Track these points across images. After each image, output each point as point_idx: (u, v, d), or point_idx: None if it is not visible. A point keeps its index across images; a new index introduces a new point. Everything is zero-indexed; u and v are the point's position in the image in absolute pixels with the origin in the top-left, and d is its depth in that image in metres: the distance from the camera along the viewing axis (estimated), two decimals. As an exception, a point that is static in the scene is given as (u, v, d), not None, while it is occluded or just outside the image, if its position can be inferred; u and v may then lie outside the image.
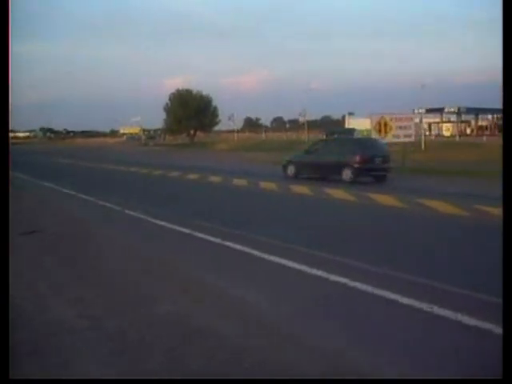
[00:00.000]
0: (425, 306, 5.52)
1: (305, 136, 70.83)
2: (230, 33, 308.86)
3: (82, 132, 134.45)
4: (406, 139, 29.04)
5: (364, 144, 23.85)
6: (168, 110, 79.39)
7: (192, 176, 24.39)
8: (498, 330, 4.84)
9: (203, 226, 10.21)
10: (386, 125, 28.34)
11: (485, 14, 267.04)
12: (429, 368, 4.17)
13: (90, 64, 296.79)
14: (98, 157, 46.87)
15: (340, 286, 6.38)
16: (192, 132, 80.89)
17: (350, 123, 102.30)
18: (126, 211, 12.75)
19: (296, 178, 22.53)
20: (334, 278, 6.64)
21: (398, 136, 28.56)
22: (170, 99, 79.83)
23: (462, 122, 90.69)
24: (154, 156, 49.99)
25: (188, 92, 79.64)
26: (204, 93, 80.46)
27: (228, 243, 8.76)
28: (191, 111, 76.33)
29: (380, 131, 28.39)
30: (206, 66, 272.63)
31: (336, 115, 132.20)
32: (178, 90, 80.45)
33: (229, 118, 78.33)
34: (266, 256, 7.84)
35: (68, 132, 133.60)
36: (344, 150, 22.03)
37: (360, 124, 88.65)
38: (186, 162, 36.98)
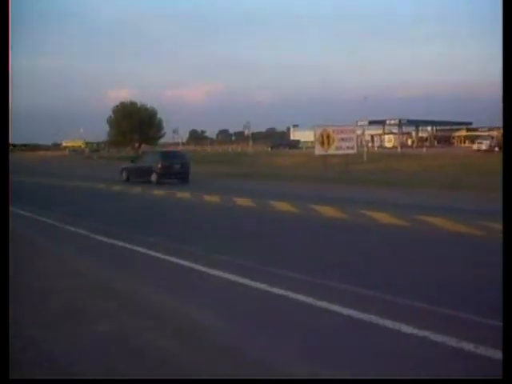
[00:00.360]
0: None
1: (250, 148, 71.13)
2: (175, 45, 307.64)
3: (23, 145, 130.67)
4: (349, 151, 29.65)
5: (166, 155, 29.45)
6: (111, 122, 77.83)
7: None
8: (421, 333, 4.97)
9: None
10: (328, 137, 28.88)
11: (424, 30, 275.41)
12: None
13: (31, 75, 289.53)
14: (37, 171, 45.64)
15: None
16: (137, 145, 79.71)
17: (295, 135, 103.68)
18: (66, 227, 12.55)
19: (128, 181, 28.29)
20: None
21: (340, 148, 29.12)
22: (113, 112, 78.33)
23: (404, 133, 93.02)
24: (97, 169, 49.08)
25: (132, 104, 78.46)
26: (149, 105, 79.72)
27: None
28: (135, 124, 75.26)
29: (323, 143, 28.92)
30: (151, 78, 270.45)
31: (281, 127, 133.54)
32: (121, 103, 79.14)
33: (173, 131, 77.91)
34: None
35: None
36: (153, 159, 28.16)
37: (304, 136, 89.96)
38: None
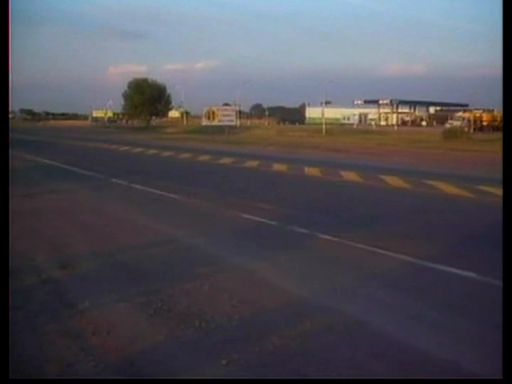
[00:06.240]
0: None
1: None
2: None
3: (62, 114, 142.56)
4: (229, 123, 39.37)
5: None
6: (126, 96, 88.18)
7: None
8: None
9: None
10: (213, 113, 38.53)
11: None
12: None
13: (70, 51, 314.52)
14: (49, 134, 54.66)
15: None
16: (148, 117, 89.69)
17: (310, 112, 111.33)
18: None
19: None
20: None
21: (222, 120, 38.89)
22: (128, 87, 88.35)
23: (401, 113, 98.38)
24: (101, 135, 55.88)
25: (144, 81, 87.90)
26: (158, 81, 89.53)
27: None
28: (146, 98, 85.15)
29: (209, 117, 38.64)
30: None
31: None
32: (135, 79, 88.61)
33: (179, 106, 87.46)
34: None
35: (47, 114, 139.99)
36: None
37: (316, 112, 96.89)
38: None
